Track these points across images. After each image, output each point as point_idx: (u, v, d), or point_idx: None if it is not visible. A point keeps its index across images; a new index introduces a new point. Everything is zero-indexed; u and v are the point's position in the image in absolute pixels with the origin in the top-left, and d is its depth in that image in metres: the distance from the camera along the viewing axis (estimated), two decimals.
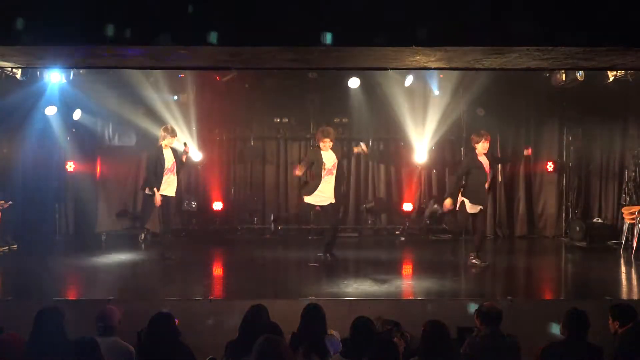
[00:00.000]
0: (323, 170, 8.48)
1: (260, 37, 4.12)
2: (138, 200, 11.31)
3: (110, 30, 4.05)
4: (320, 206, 8.66)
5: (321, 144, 8.55)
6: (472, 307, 6.27)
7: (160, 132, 8.81)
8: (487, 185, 8.53)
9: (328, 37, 3.99)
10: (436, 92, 11.06)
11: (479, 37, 4.12)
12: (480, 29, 4.08)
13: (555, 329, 5.64)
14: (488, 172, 8.46)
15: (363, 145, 9.00)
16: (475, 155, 8.45)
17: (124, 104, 11.01)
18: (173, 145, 8.87)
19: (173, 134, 8.80)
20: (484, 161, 8.42)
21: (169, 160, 8.73)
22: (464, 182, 8.50)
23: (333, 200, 8.65)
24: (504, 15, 4.09)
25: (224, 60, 5.07)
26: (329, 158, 8.56)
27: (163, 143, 8.71)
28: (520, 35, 4.13)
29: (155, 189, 8.58)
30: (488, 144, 8.45)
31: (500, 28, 4.10)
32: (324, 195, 8.53)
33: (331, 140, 8.59)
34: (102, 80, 10.47)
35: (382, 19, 4.06)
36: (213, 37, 4.08)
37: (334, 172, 8.57)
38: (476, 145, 8.42)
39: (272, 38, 4.11)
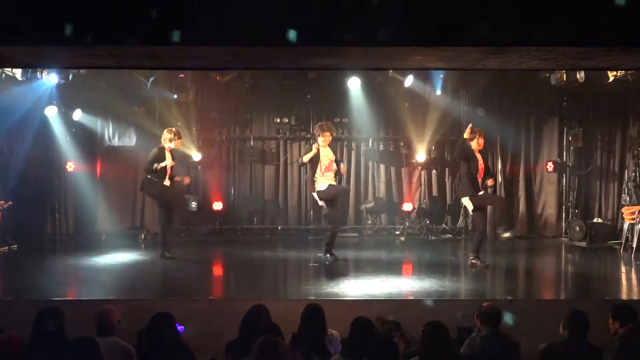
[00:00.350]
0: (320, 168, 8.48)
1: (260, 37, 4.12)
2: (138, 200, 11.32)
3: (109, 30, 4.05)
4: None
5: (322, 139, 8.52)
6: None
7: (165, 134, 8.75)
8: (480, 179, 8.48)
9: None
10: (438, 91, 11.04)
11: (479, 37, 4.12)
12: (480, 29, 4.08)
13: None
14: (482, 167, 8.45)
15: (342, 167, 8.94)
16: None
17: (124, 103, 11.03)
18: (177, 148, 8.90)
19: (179, 136, 8.81)
20: (479, 157, 8.42)
21: (168, 163, 8.74)
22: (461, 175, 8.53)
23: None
24: (504, 15, 4.09)
25: (224, 60, 5.07)
26: (325, 155, 8.54)
27: (167, 145, 8.70)
28: (520, 35, 4.12)
29: (156, 164, 8.56)
30: (482, 140, 8.44)
31: (500, 28, 4.10)
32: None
33: (331, 135, 8.60)
34: (102, 80, 10.49)
35: (382, 19, 4.05)
36: (216, 37, 4.08)
37: (333, 168, 8.56)
38: (470, 142, 8.42)
39: (272, 38, 4.11)
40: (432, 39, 4.12)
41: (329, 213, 9.10)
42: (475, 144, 8.37)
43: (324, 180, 8.49)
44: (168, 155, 8.75)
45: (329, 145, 8.64)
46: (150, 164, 8.64)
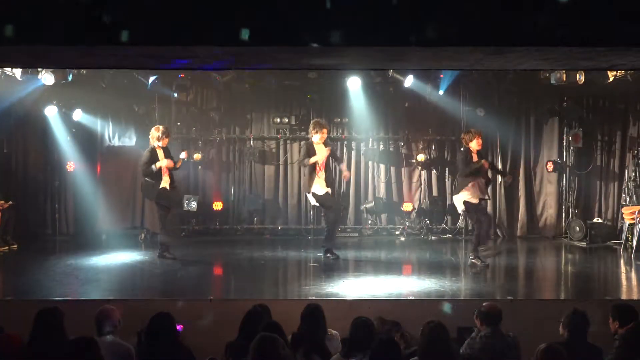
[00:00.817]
0: (317, 166, 8.48)
1: (259, 37, 4.11)
2: (138, 200, 11.32)
3: (110, 29, 4.05)
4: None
5: (319, 136, 8.50)
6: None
7: (153, 133, 8.75)
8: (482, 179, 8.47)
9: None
10: (441, 91, 11.03)
11: (479, 37, 4.12)
12: (480, 29, 4.07)
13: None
14: (487, 167, 8.45)
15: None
16: (469, 151, 8.48)
17: (124, 103, 11.02)
18: (166, 145, 8.86)
19: (167, 134, 8.79)
20: (476, 158, 8.44)
21: (164, 163, 8.73)
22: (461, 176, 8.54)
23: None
24: (504, 15, 4.09)
25: (223, 60, 5.06)
26: (321, 152, 8.54)
27: (156, 144, 8.69)
28: (520, 35, 4.12)
29: (154, 165, 8.54)
30: (481, 140, 8.48)
31: (501, 28, 4.09)
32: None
33: (327, 132, 8.63)
34: (102, 80, 10.49)
35: (382, 19, 4.05)
36: (213, 37, 4.07)
37: (324, 167, 8.56)
38: (470, 143, 8.43)
39: (272, 38, 4.10)
40: (432, 39, 4.12)
41: (326, 213, 9.12)
42: (475, 144, 8.39)
43: (321, 182, 8.49)
44: (161, 153, 8.73)
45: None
46: (145, 166, 8.64)
